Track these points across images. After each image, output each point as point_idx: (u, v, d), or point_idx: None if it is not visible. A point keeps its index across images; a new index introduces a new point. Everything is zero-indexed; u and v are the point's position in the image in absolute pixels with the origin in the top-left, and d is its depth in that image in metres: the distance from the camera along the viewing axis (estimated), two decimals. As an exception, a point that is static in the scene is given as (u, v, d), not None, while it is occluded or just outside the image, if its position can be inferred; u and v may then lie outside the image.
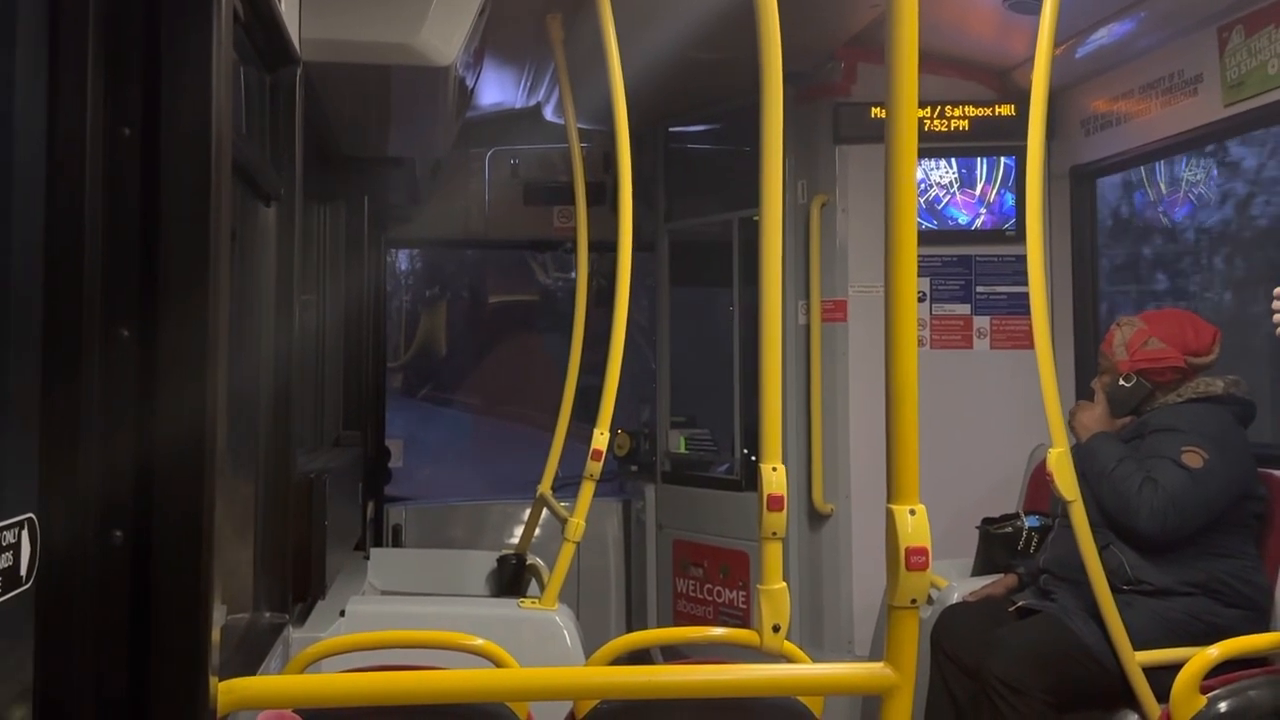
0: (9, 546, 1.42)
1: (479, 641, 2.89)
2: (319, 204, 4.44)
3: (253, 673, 2.61)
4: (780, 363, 2.70)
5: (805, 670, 2.48)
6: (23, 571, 1.46)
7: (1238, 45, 4.04)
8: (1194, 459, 3.51)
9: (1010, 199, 5.25)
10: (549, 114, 5.94)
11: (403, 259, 9.97)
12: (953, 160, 5.25)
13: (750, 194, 2.76)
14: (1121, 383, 3.78)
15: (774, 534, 2.64)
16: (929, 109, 5.16)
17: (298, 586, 3.30)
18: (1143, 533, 3.51)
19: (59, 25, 1.58)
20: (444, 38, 3.28)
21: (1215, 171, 5.46)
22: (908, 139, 1.92)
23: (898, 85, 1.91)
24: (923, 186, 5.19)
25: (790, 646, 2.68)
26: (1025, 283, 3.44)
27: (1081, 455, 3.69)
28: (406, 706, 2.03)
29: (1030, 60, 3.40)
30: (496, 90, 5.56)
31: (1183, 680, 2.85)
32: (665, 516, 6.04)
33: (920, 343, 2.43)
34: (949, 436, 4.76)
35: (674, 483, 6.01)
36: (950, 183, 5.25)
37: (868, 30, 4.74)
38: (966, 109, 5.22)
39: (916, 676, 1.96)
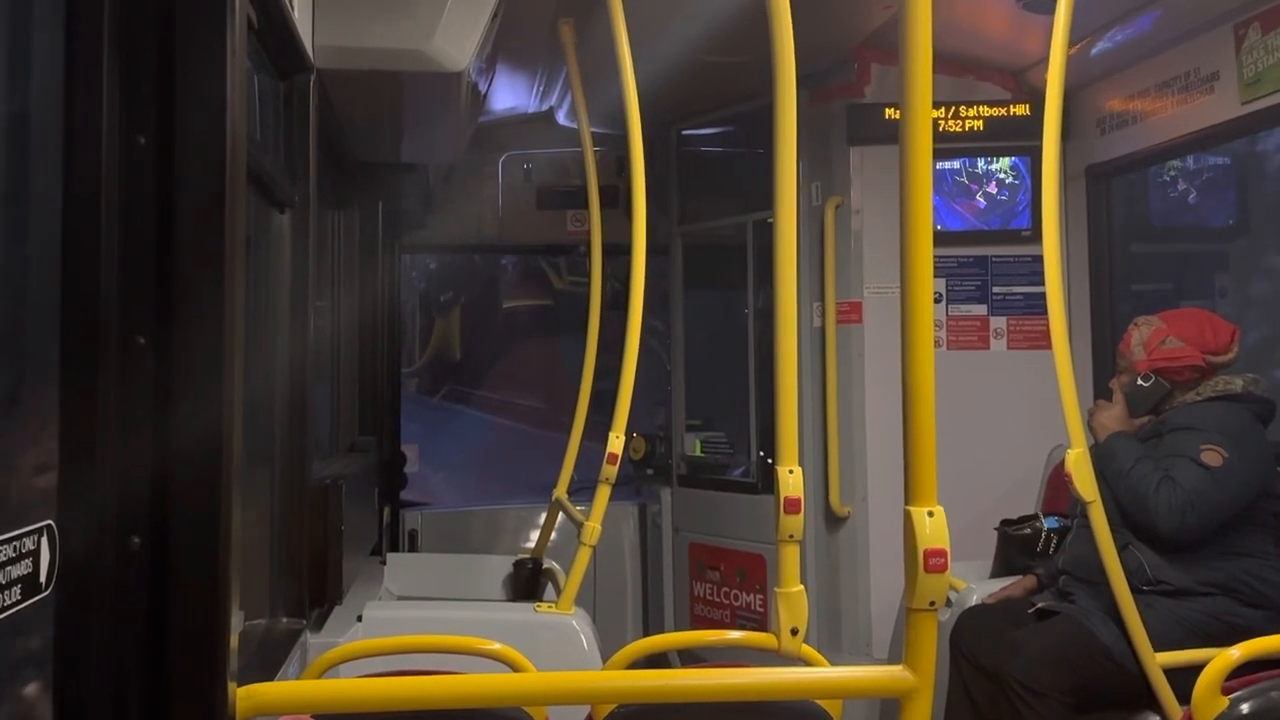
0: (29, 553, 1.43)
1: (496, 646, 2.89)
2: (333, 210, 4.45)
3: (271, 678, 2.62)
4: (795, 365, 2.70)
5: (823, 673, 2.47)
6: (42, 578, 1.46)
7: (1255, 42, 4.02)
8: (1213, 457, 3.49)
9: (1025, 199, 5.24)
10: (562, 118, 5.95)
11: (416, 264, 9.98)
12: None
13: (764, 196, 2.75)
14: (1140, 382, 3.76)
15: (791, 537, 2.63)
16: (943, 109, 5.15)
17: (315, 592, 3.31)
18: (1161, 532, 3.49)
19: (74, 33, 1.59)
20: (457, 44, 3.29)
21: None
22: (922, 140, 1.91)
23: (912, 86, 1.90)
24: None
25: (808, 649, 2.67)
26: (1042, 283, 3.42)
27: (1100, 455, 3.67)
28: (424, 711, 2.03)
29: (1045, 60, 3.39)
30: (509, 95, 5.57)
31: (1204, 682, 2.82)
32: (681, 520, 6.03)
33: (936, 344, 2.42)
34: (966, 438, 4.74)
35: (690, 486, 6.00)
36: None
37: (881, 31, 4.73)
38: (981, 109, 5.20)
39: (935, 679, 1.95)
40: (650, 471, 6.37)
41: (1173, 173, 5.62)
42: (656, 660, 4.45)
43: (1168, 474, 3.51)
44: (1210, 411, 3.63)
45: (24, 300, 1.57)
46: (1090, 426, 3.82)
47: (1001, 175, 5.27)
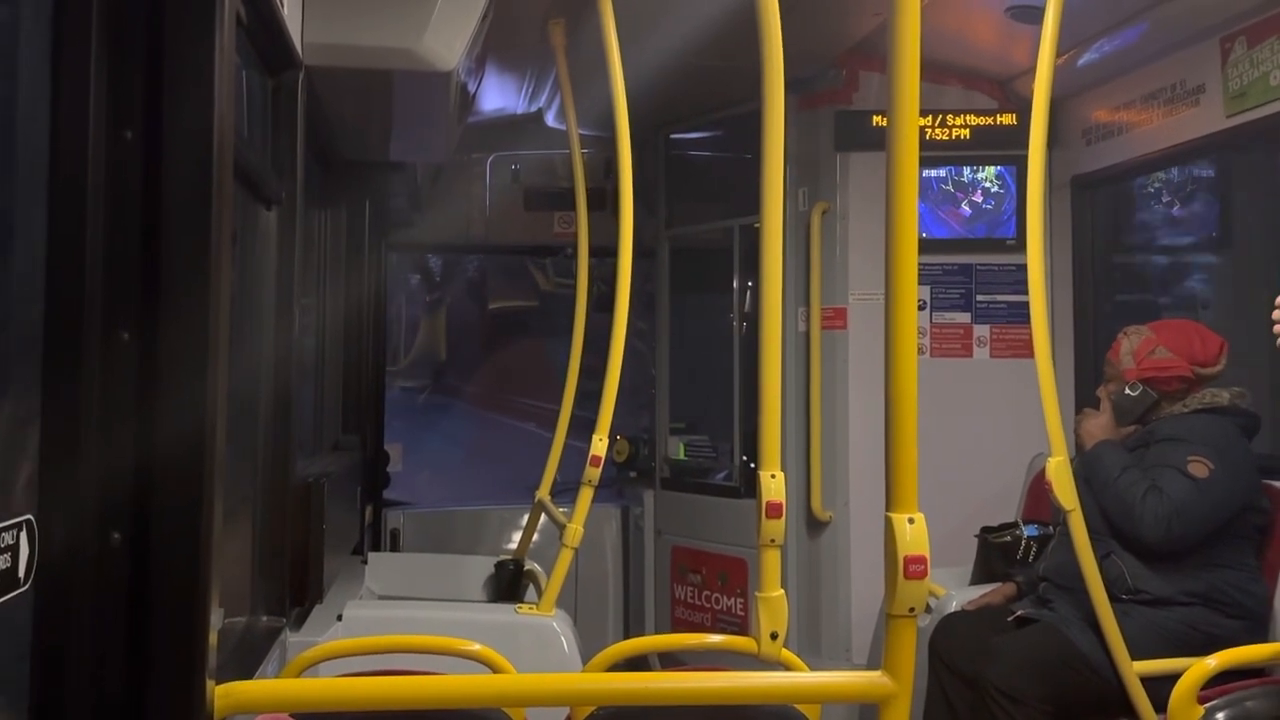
0: (8, 548, 1.42)
1: (476, 647, 2.89)
2: (320, 208, 4.44)
3: (250, 676, 2.61)
4: (780, 370, 2.70)
5: (803, 678, 2.48)
6: (21, 573, 1.45)
7: (1240, 56, 4.05)
8: (1200, 469, 3.51)
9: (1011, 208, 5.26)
10: (550, 119, 5.95)
11: (403, 263, 9.97)
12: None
13: (751, 201, 2.75)
14: (1127, 391, 3.79)
15: (772, 541, 2.64)
16: (930, 117, 5.17)
17: (295, 590, 3.30)
18: (1146, 541, 3.51)
19: (62, 26, 1.58)
20: (446, 43, 3.29)
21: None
22: (909, 147, 1.92)
23: (899, 93, 1.91)
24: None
25: (788, 654, 2.68)
26: (1025, 292, 3.44)
27: (1086, 463, 3.69)
28: (403, 711, 2.03)
29: (1032, 70, 3.41)
30: (498, 95, 5.56)
31: (1180, 690, 2.84)
32: (664, 523, 6.03)
33: (920, 351, 2.43)
34: (948, 445, 4.76)
35: (673, 489, 6.00)
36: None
37: (870, 38, 4.75)
38: (968, 118, 5.22)
39: (914, 685, 1.96)
40: (633, 474, 6.37)
41: (1157, 184, 5.65)
42: (637, 663, 4.45)
43: (1154, 484, 3.53)
44: (1197, 423, 3.66)
45: (8, 294, 1.56)
46: (1076, 434, 3.84)
47: (987, 184, 5.29)
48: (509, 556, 4.77)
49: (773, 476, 2.64)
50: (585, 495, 3.84)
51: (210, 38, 1.71)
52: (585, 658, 3.50)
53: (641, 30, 4.17)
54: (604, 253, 4.72)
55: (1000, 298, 5.29)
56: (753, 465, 5.06)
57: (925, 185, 5.23)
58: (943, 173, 5.28)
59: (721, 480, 5.82)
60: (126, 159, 1.65)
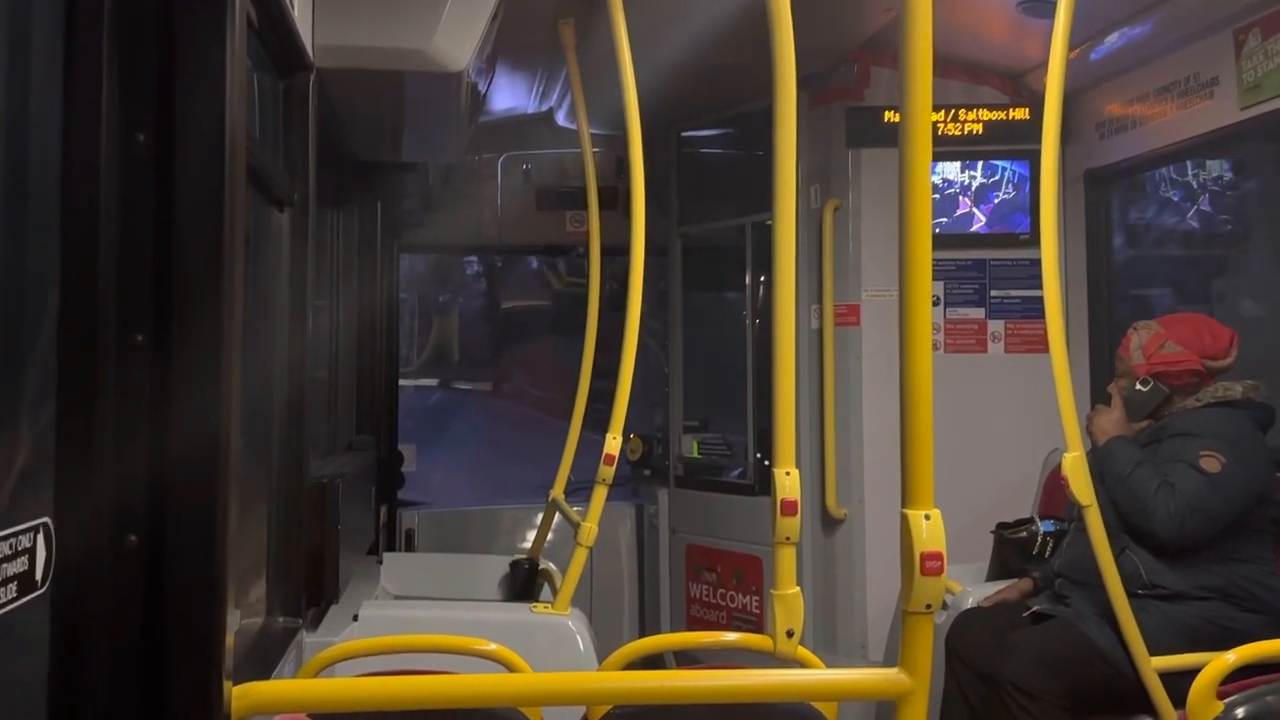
0: (25, 551, 1.43)
1: (492, 646, 2.89)
2: (332, 209, 4.45)
3: (266, 677, 2.62)
4: (793, 367, 2.70)
5: (819, 675, 2.47)
6: (39, 575, 1.46)
7: (1254, 48, 4.02)
8: (1212, 464, 3.49)
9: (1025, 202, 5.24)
10: (561, 119, 5.96)
11: (415, 264, 9.98)
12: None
13: (763, 198, 2.75)
14: (1138, 387, 3.77)
15: (787, 539, 2.64)
16: (943, 113, 5.15)
17: (311, 591, 3.31)
18: (1160, 537, 3.49)
19: (74, 31, 1.59)
20: (457, 43, 3.29)
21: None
22: (922, 143, 1.91)
23: (911, 89, 1.90)
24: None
25: (804, 651, 2.68)
26: (1039, 287, 3.43)
27: (1099, 459, 3.67)
28: (419, 711, 2.03)
29: (1045, 64, 3.39)
30: (509, 95, 5.57)
31: (1200, 686, 2.83)
32: (678, 521, 6.03)
33: (934, 347, 2.42)
34: (963, 441, 4.74)
35: (687, 487, 6.00)
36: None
37: (881, 34, 4.74)
38: (980, 113, 5.21)
39: (931, 681, 1.95)
40: (647, 472, 6.37)
41: (1172, 177, 5.63)
42: (652, 661, 4.45)
43: (1167, 479, 3.51)
44: (1209, 417, 3.64)
45: (22, 297, 1.57)
46: (1089, 431, 3.82)
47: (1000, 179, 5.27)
48: (524, 556, 4.77)
49: (787, 474, 2.63)
50: (599, 494, 3.84)
51: (221, 40, 1.71)
52: (601, 656, 3.50)
53: (652, 29, 4.16)
54: (616, 251, 4.73)
55: (1014, 293, 5.28)
56: (767, 463, 5.05)
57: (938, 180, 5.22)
58: (956, 167, 5.26)
59: (736, 478, 5.82)
60: (139, 162, 1.66)
